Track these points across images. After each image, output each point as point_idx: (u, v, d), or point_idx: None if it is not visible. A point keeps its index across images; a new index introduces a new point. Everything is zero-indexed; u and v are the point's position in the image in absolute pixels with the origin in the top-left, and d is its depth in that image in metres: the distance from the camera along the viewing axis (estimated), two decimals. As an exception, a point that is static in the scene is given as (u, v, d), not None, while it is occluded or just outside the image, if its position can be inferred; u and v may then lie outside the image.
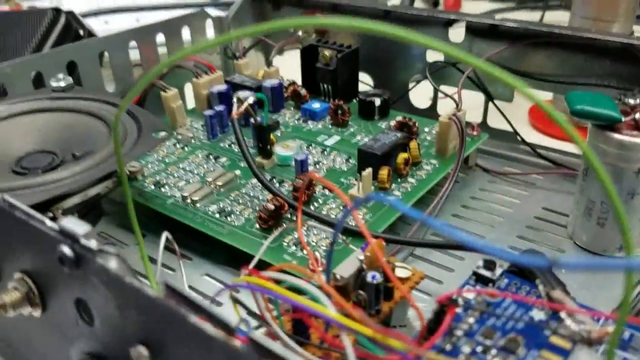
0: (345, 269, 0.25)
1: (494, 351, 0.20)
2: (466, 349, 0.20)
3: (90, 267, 0.18)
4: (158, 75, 0.41)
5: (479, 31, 0.42)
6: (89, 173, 0.29)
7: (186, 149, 0.42)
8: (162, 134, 0.32)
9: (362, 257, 0.25)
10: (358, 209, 0.30)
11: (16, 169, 0.31)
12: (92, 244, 0.18)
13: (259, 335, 0.14)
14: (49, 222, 0.19)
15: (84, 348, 0.21)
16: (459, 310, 0.21)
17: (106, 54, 0.45)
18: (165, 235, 0.25)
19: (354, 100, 0.46)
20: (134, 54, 0.46)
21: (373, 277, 0.24)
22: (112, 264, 0.18)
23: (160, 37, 0.48)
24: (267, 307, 0.21)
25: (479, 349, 0.20)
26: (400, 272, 0.27)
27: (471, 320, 0.21)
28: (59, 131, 0.33)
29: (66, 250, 0.19)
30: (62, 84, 0.36)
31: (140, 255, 0.24)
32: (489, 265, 0.25)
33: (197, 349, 0.16)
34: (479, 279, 0.25)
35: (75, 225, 0.19)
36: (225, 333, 0.15)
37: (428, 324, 0.20)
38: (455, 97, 0.38)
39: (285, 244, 0.32)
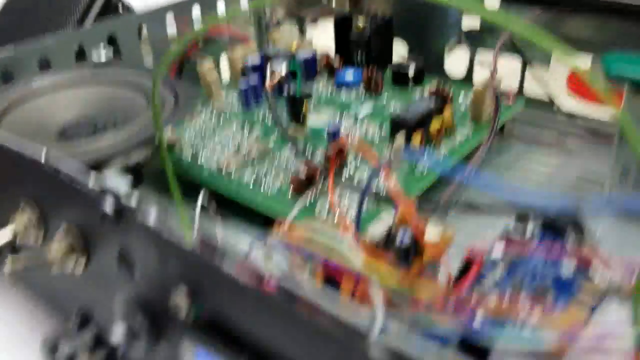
0: (375, 229, 0.26)
1: (521, 301, 0.20)
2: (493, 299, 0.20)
3: (130, 222, 0.20)
4: (193, 39, 0.43)
5: (516, -5, 0.41)
6: (129, 139, 0.30)
7: (221, 120, 0.43)
8: (198, 101, 0.33)
9: (392, 217, 0.26)
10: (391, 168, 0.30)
11: (60, 138, 0.33)
12: (133, 200, 0.20)
13: (289, 282, 0.15)
14: (91, 181, 0.21)
15: (127, 297, 0.23)
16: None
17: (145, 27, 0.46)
18: (203, 192, 0.26)
19: (388, 69, 0.46)
20: (172, 30, 0.48)
21: (402, 237, 0.25)
22: (152, 218, 0.19)
23: (196, 12, 0.48)
24: (297, 262, 0.22)
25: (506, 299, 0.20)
26: (431, 234, 0.27)
27: (498, 274, 0.21)
28: (100, 102, 0.35)
29: (108, 207, 0.20)
30: (103, 57, 0.38)
31: (178, 211, 0.25)
32: (522, 222, 0.25)
33: (231, 295, 0.17)
34: (509, 237, 0.25)
35: (117, 182, 0.20)
36: (256, 281, 0.16)
37: (455, 278, 0.21)
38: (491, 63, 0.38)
39: (317, 211, 0.33)
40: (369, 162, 0.32)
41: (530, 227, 0.25)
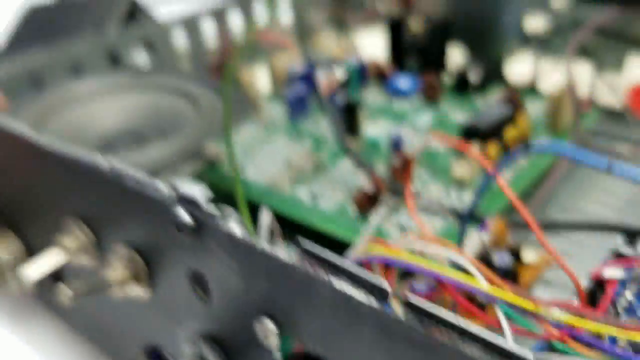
0: (465, 249, 0.24)
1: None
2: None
3: (211, 234, 0.18)
4: (251, 43, 0.42)
5: (589, -6, 0.40)
6: (178, 151, 0.29)
7: (267, 131, 0.42)
8: (249, 110, 0.32)
9: (485, 237, 0.24)
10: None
11: (104, 148, 0.32)
12: (214, 209, 0.18)
13: (422, 301, 0.14)
14: (164, 189, 0.19)
15: (195, 327, 0.21)
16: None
17: (180, 34, 0.45)
18: (265, 211, 0.25)
19: (445, 75, 0.45)
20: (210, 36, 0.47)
21: (501, 258, 0.24)
22: (237, 229, 0.18)
23: (235, 17, 0.48)
24: (391, 282, 0.20)
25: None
26: (527, 257, 0.26)
27: (629, 296, 0.19)
28: (143, 109, 0.34)
29: (185, 216, 0.18)
30: (142, 63, 0.37)
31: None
32: (631, 241, 0.23)
33: (339, 318, 0.16)
34: (620, 257, 0.23)
35: (193, 188, 0.19)
36: (379, 299, 0.14)
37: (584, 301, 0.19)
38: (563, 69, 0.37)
39: (386, 228, 0.31)
40: (486, 168, 0.30)
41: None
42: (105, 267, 0.22)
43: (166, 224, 0.19)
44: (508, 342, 0.13)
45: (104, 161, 0.21)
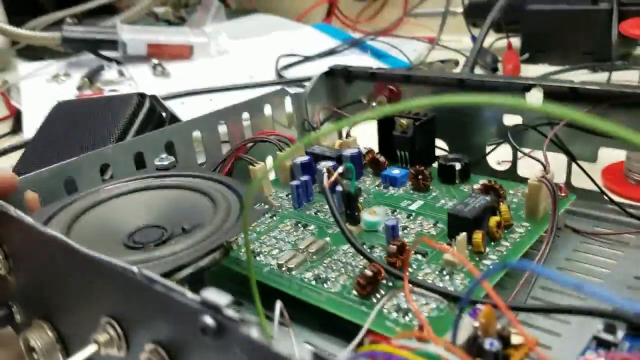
0: (459, 335, 0.25)
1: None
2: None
3: (232, 337, 0.19)
4: (308, 143, 0.46)
5: (558, 94, 0.42)
6: (201, 245, 0.30)
7: (275, 218, 0.43)
8: (263, 206, 0.33)
9: (476, 324, 0.25)
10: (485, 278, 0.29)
11: (129, 244, 0.33)
12: (234, 314, 0.19)
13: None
14: (190, 294, 0.20)
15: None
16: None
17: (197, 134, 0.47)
18: (278, 304, 0.26)
19: (433, 166, 0.47)
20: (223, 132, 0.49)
21: (491, 344, 0.24)
22: (255, 333, 0.18)
23: (245, 114, 0.50)
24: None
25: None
26: (515, 339, 0.26)
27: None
28: (166, 207, 0.35)
29: (209, 320, 0.19)
30: (166, 162, 0.39)
31: (261, 322, 0.25)
32: (610, 328, 0.24)
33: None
34: (601, 343, 0.24)
35: (216, 295, 0.19)
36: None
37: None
38: (539, 159, 0.38)
39: (385, 311, 0.32)
40: (471, 272, 0.31)
41: (621, 333, 0.24)
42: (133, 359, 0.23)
43: (191, 327, 0.20)
44: None
45: (134, 267, 0.22)
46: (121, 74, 0.92)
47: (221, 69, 0.92)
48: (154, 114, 0.52)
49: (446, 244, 0.36)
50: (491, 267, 0.34)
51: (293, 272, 0.36)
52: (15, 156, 0.65)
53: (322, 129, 0.51)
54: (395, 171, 0.46)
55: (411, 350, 0.19)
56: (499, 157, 0.49)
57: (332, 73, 0.55)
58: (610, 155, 0.50)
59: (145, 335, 0.23)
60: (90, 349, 0.24)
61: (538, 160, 0.38)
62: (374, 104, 0.52)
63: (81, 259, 0.25)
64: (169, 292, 0.21)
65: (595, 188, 0.43)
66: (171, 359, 0.22)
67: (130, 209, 0.35)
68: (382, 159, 0.47)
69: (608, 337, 0.23)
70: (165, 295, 0.21)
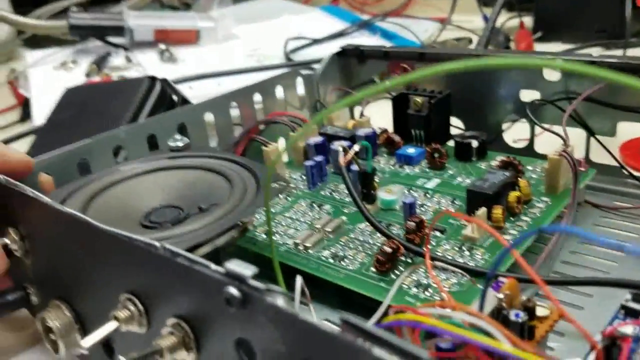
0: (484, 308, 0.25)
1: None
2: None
3: (258, 306, 0.19)
4: (320, 121, 0.46)
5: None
6: (219, 224, 0.30)
7: (289, 199, 0.43)
8: (280, 183, 0.33)
9: (501, 296, 0.25)
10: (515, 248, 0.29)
11: (145, 223, 0.33)
12: (260, 284, 0.19)
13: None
14: (213, 266, 0.20)
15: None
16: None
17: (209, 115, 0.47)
18: (299, 280, 0.26)
19: (448, 144, 0.46)
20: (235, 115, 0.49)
21: (517, 315, 0.24)
22: (281, 302, 0.18)
23: (256, 96, 0.50)
24: (416, 341, 0.21)
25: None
26: (540, 311, 0.26)
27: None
28: (181, 187, 0.35)
29: (234, 291, 0.19)
30: (180, 143, 0.39)
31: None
32: (639, 298, 0.23)
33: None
34: (629, 312, 0.23)
35: (240, 267, 0.19)
36: (417, 365, 0.15)
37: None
38: (559, 134, 0.38)
39: (405, 286, 0.32)
40: (498, 240, 0.31)
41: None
42: (155, 336, 0.23)
43: (215, 299, 0.20)
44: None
45: (156, 242, 0.22)
46: (128, 60, 0.92)
47: (229, 53, 0.91)
48: (165, 98, 0.51)
49: (465, 221, 0.36)
50: (518, 236, 0.34)
51: (310, 251, 0.36)
52: (25, 143, 0.65)
53: (333, 105, 0.51)
54: (411, 150, 0.45)
55: (438, 318, 0.19)
56: (515, 135, 0.48)
57: (344, 53, 0.54)
58: (627, 131, 0.49)
59: (167, 310, 0.23)
60: (111, 325, 0.24)
61: (558, 135, 0.38)
62: (387, 82, 0.51)
63: (101, 236, 0.25)
64: (192, 264, 0.21)
65: (614, 163, 0.42)
66: (194, 332, 0.22)
67: (146, 190, 0.35)
68: (397, 138, 0.47)
69: (637, 306, 0.23)
70: (188, 268, 0.21)
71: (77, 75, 0.88)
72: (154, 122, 0.42)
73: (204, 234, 0.29)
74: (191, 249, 0.29)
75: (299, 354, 0.18)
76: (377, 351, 0.16)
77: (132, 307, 0.25)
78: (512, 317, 0.24)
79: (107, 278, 0.26)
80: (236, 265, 0.19)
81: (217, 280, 0.20)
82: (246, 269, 0.19)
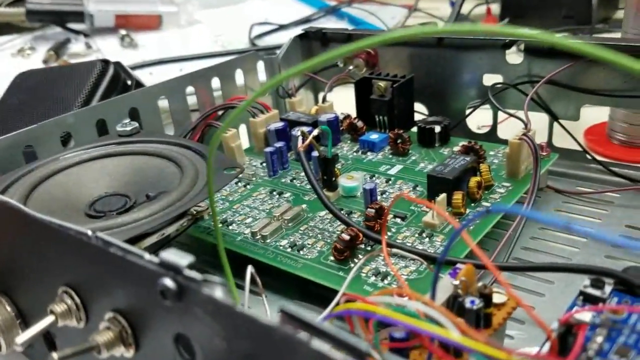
0: (438, 295, 0.24)
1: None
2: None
3: (194, 299, 0.18)
4: (252, 102, 0.43)
5: (538, 51, 0.41)
6: (166, 212, 0.28)
7: (248, 186, 0.41)
8: (235, 170, 0.32)
9: (456, 282, 0.24)
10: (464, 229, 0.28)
11: (90, 213, 0.31)
12: (196, 274, 0.18)
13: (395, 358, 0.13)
14: (147, 256, 0.19)
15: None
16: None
17: (163, 99, 0.45)
18: (250, 269, 0.25)
19: (411, 130, 0.45)
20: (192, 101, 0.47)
21: (472, 302, 0.23)
22: (219, 293, 0.17)
23: (214, 82, 0.48)
24: (368, 336, 0.20)
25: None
26: (497, 298, 0.25)
27: (599, 339, 0.19)
28: (130, 174, 0.33)
29: (168, 282, 0.18)
30: (128, 128, 0.37)
31: (229, 288, 0.23)
32: (598, 284, 0.23)
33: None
34: (587, 299, 0.23)
35: (176, 256, 0.18)
36: (357, 358, 0.14)
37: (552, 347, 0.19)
38: (521, 118, 0.37)
39: (363, 274, 0.31)
40: (452, 225, 0.30)
41: (608, 288, 0.23)
42: (93, 330, 0.21)
43: (151, 291, 0.18)
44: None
45: (88, 230, 0.20)
46: (88, 46, 0.89)
47: (191, 39, 0.89)
48: (118, 81, 0.49)
49: (425, 207, 0.35)
50: (470, 216, 0.33)
51: (267, 240, 0.35)
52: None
53: (263, 86, 0.49)
54: (374, 136, 0.44)
55: (388, 307, 0.18)
56: (478, 121, 0.48)
57: (306, 36, 0.53)
58: (590, 117, 0.49)
59: (104, 304, 0.22)
60: (47, 320, 0.23)
61: (519, 118, 0.37)
62: (351, 67, 0.50)
63: (33, 225, 0.23)
64: (125, 254, 0.19)
65: (577, 147, 0.42)
66: (131, 326, 0.21)
67: (92, 177, 0.33)
68: (360, 124, 0.46)
69: (595, 292, 0.23)
70: (121, 258, 0.19)
71: (35, 63, 0.85)
72: (104, 107, 0.40)
73: (150, 223, 0.27)
74: (136, 239, 0.28)
75: (239, 349, 0.17)
76: (317, 343, 0.15)
77: (69, 301, 0.23)
78: (468, 304, 0.23)
79: (44, 270, 0.25)
80: (171, 255, 0.18)
81: (152, 271, 0.18)
82: (182, 259, 0.18)
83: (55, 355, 0.20)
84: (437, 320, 0.17)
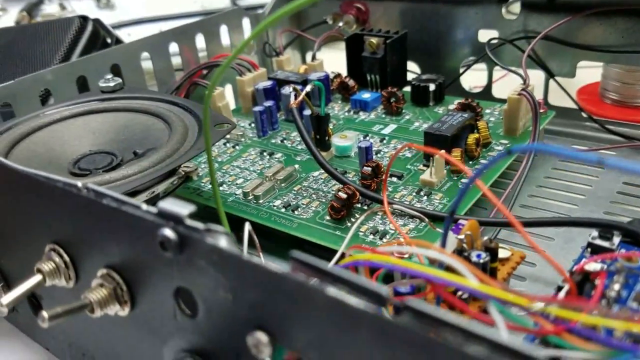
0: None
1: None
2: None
3: (197, 249, 0.17)
4: (235, 57, 0.41)
5: (535, 6, 0.40)
6: (156, 169, 0.27)
7: (237, 147, 0.40)
8: (226, 125, 0.30)
9: (462, 237, 0.24)
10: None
11: (74, 171, 0.30)
12: (199, 223, 0.17)
13: (421, 303, 0.13)
14: (145, 206, 0.18)
15: (181, 345, 0.19)
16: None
17: (146, 56, 0.43)
18: (247, 226, 0.24)
19: (405, 89, 0.45)
20: (175, 58, 0.45)
21: (478, 256, 0.23)
22: (224, 242, 0.16)
23: (199, 42, 0.46)
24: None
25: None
26: (501, 253, 0.25)
27: (617, 286, 0.19)
28: (114, 131, 0.32)
29: (169, 233, 0.17)
30: (112, 84, 0.35)
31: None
32: (606, 235, 0.23)
33: (335, 326, 0.14)
34: (595, 250, 0.23)
35: (176, 205, 0.17)
36: (377, 304, 0.13)
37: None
38: (519, 73, 0.37)
39: (361, 233, 0.30)
40: (464, 174, 0.30)
41: (616, 239, 0.23)
42: (83, 290, 0.21)
43: (149, 243, 0.18)
44: (515, 340, 0.12)
45: (78, 182, 0.19)
46: (62, 7, 0.86)
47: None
48: (97, 39, 0.47)
49: (422, 166, 0.35)
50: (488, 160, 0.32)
51: (260, 201, 0.34)
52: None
53: (247, 38, 0.48)
54: (366, 95, 0.43)
55: (398, 257, 0.18)
56: (470, 82, 0.47)
57: (293, -7, 0.51)
58: (582, 78, 0.49)
59: (96, 261, 0.21)
60: (34, 279, 0.21)
61: (517, 74, 0.37)
62: (340, 24, 0.49)
63: (17, 179, 0.22)
64: (120, 205, 0.18)
65: (572, 106, 0.41)
66: (127, 283, 0.20)
67: (74, 135, 0.32)
68: (351, 82, 0.45)
69: (604, 243, 0.22)
70: (116, 210, 0.18)
71: (6, 24, 0.81)
72: (84, 63, 0.39)
73: (141, 179, 0.26)
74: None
75: (246, 301, 0.16)
76: (332, 290, 0.14)
77: (57, 259, 0.22)
78: (474, 258, 0.23)
79: (29, 228, 0.24)
80: (171, 204, 0.17)
81: (150, 222, 0.17)
82: (182, 208, 0.17)
83: (45, 313, 0.19)
84: (451, 267, 0.16)
